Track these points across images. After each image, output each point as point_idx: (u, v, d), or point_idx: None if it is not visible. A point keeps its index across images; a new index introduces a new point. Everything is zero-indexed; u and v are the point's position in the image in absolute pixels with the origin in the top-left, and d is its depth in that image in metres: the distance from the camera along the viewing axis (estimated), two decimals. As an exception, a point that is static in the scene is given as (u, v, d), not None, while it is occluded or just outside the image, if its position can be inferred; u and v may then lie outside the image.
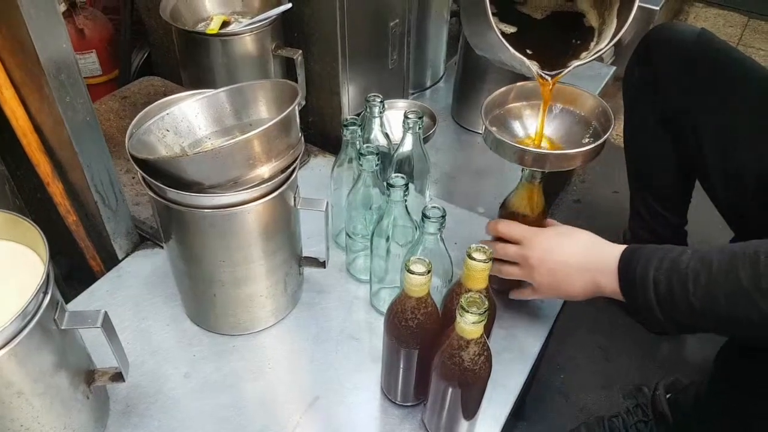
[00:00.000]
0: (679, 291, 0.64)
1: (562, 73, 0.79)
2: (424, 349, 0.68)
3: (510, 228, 0.80)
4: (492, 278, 0.79)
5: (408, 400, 0.77)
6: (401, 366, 0.72)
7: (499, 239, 0.81)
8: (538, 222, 0.82)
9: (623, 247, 0.72)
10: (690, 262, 0.65)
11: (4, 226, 0.64)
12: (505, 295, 0.86)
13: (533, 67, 0.78)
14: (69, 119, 0.77)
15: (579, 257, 0.75)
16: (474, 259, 0.64)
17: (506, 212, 0.83)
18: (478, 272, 0.65)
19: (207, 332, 0.86)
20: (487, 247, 0.64)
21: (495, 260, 0.79)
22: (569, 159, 0.76)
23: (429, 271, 0.63)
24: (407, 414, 0.77)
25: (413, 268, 0.63)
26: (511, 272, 0.80)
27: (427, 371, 0.70)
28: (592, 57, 0.81)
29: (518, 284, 0.84)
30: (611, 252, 0.72)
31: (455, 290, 0.70)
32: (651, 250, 0.69)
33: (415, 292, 0.64)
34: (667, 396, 1.05)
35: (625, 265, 0.70)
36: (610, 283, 0.71)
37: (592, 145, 0.75)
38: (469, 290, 0.66)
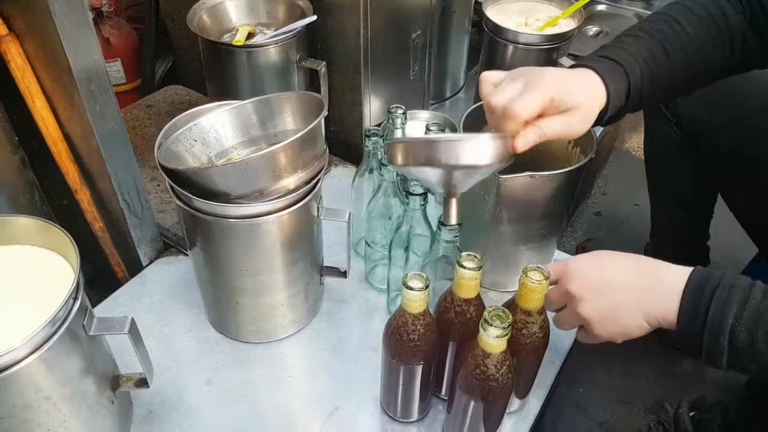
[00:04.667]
0: (764, 349, 0.55)
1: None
2: (426, 363, 0.68)
3: (555, 307, 0.68)
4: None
5: (409, 416, 0.77)
6: (401, 381, 0.71)
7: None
8: None
9: (685, 271, 0.60)
10: None
11: (37, 233, 0.65)
12: None
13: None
14: (98, 128, 0.79)
15: (629, 278, 0.62)
16: (464, 267, 0.64)
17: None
18: (468, 281, 0.65)
19: (228, 340, 0.86)
20: (477, 256, 0.64)
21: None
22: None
23: (427, 287, 0.63)
24: (428, 427, 0.77)
25: (411, 283, 0.63)
26: (563, 319, 0.67)
27: (427, 385, 0.71)
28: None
29: None
30: (671, 275, 0.60)
31: (446, 299, 0.70)
32: (726, 287, 0.57)
33: (413, 308, 0.64)
34: (691, 414, 1.04)
35: (692, 301, 0.58)
36: (666, 315, 0.60)
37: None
38: (460, 298, 0.67)
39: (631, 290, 0.61)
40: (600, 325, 0.63)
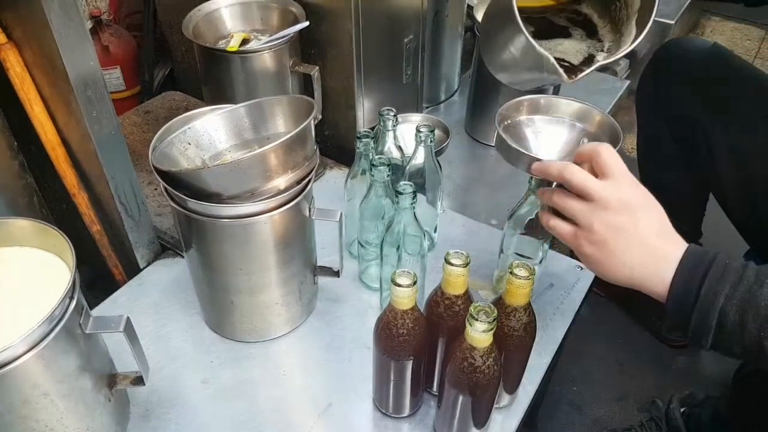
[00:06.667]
0: (753, 330, 0.56)
1: (585, 73, 0.80)
2: (416, 358, 0.70)
3: (566, 202, 0.66)
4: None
5: (401, 412, 0.78)
6: (392, 377, 0.72)
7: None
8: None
9: (683, 247, 0.61)
10: None
11: (34, 235, 0.67)
12: None
13: (557, 64, 0.80)
14: (95, 133, 0.81)
15: (649, 236, 0.61)
16: (451, 264, 0.65)
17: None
18: (455, 277, 0.66)
19: (224, 339, 0.88)
20: (464, 253, 0.65)
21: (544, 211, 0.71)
22: None
23: (415, 283, 0.64)
24: (419, 422, 0.78)
25: (399, 280, 0.64)
26: (561, 229, 0.67)
27: (418, 380, 0.72)
28: (613, 59, 0.84)
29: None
30: (673, 246, 0.61)
31: (436, 295, 0.71)
32: (720, 266, 0.58)
33: (402, 305, 0.65)
34: (682, 410, 1.05)
35: (684, 277, 0.59)
36: (656, 286, 0.61)
37: None
38: (447, 294, 0.68)
39: (638, 247, 0.61)
40: (589, 244, 0.63)
